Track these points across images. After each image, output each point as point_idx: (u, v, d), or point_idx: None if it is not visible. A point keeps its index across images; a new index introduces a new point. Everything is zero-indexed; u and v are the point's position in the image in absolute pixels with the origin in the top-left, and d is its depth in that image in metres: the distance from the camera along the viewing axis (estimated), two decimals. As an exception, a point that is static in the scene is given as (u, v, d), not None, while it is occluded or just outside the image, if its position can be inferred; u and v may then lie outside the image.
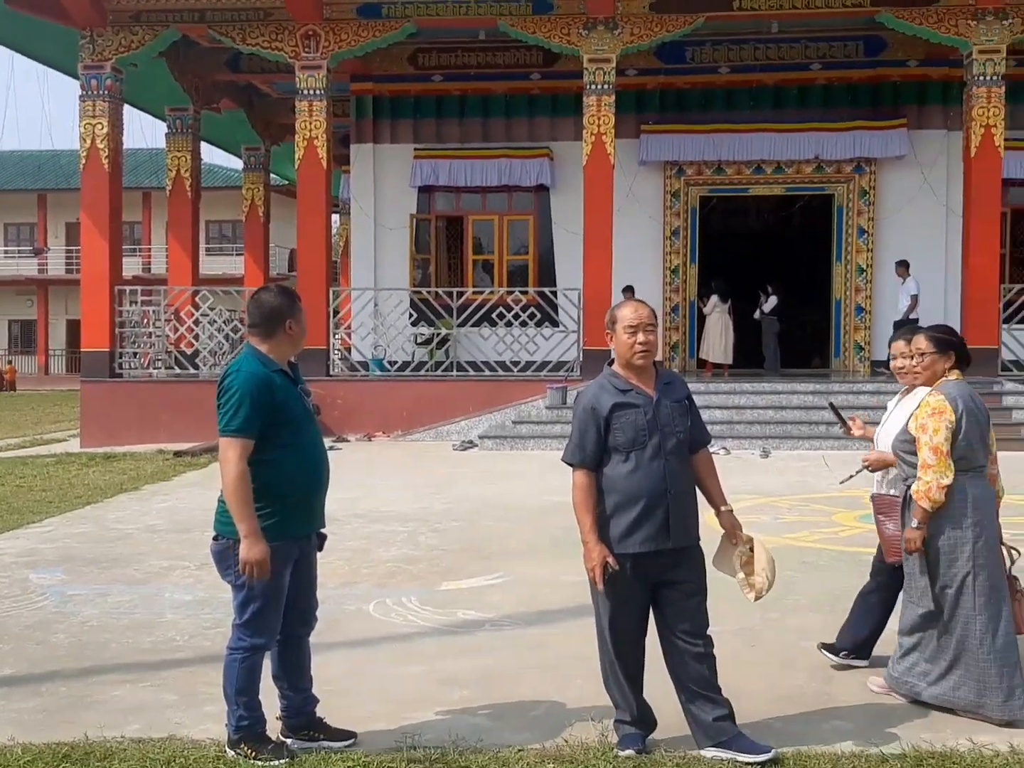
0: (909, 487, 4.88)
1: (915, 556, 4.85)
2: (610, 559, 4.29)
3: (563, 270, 18.79)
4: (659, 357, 12.41)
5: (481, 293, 17.25)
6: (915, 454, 4.80)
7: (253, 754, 4.31)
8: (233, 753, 4.35)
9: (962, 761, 4.27)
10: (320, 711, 4.61)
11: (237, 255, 39.22)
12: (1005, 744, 4.44)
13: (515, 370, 16.56)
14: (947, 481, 4.73)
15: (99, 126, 17.00)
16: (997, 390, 15.30)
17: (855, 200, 18.74)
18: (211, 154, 24.49)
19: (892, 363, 5.46)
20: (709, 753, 4.34)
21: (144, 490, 11.58)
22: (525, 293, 17.45)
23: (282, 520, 4.29)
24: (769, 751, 4.28)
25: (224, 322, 17.65)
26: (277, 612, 4.37)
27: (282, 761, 4.28)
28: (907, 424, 4.90)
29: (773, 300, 18.30)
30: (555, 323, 17.13)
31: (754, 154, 18.64)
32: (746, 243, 21.45)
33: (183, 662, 5.68)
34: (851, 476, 5.60)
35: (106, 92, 16.98)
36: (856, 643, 5.48)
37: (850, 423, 5.62)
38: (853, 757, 4.35)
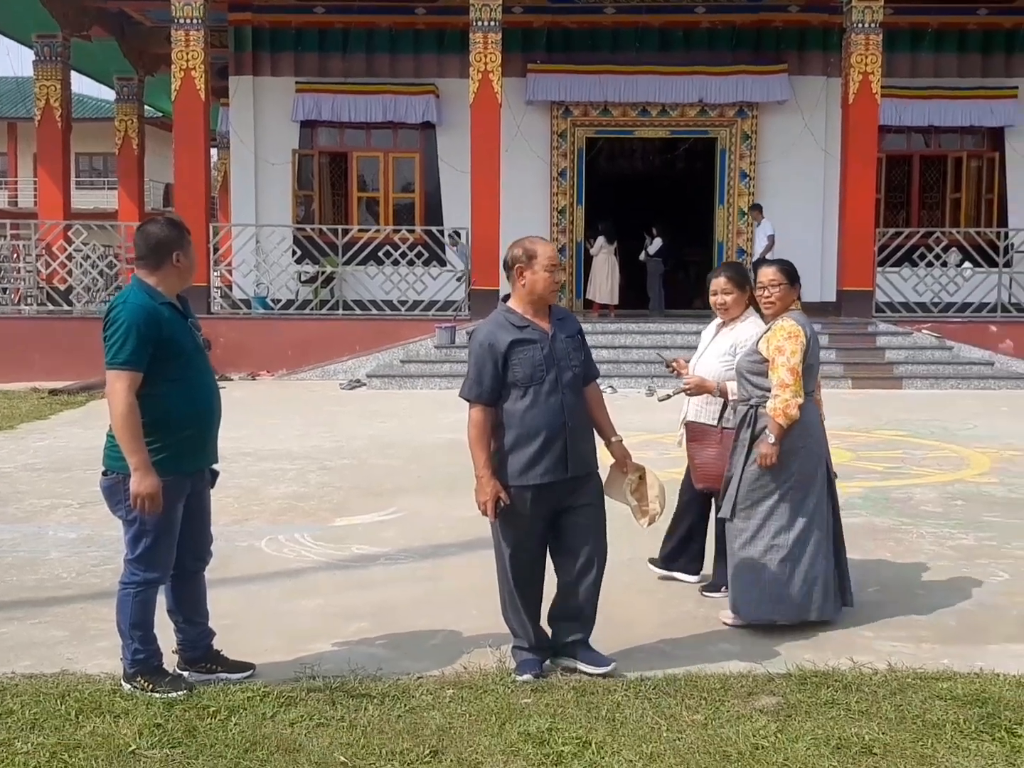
0: (753, 406, 5.08)
1: (754, 471, 5.05)
2: (502, 494, 4.37)
3: (450, 209, 18.66)
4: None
5: (367, 231, 17.04)
6: (762, 375, 5.03)
7: (150, 687, 4.27)
8: (129, 687, 4.30)
9: (843, 679, 4.44)
10: (217, 644, 4.59)
11: (109, 189, 37.96)
12: (883, 663, 4.64)
13: (403, 309, 16.45)
14: (801, 400, 4.97)
15: (-38, 51, 16.20)
16: (871, 331, 15.79)
17: (737, 144, 18.99)
18: (81, 84, 23.54)
19: (712, 299, 5.53)
20: (562, 663, 4.61)
21: (19, 429, 11.22)
22: (412, 232, 17.30)
23: (172, 454, 4.23)
24: (610, 664, 4.52)
25: (99, 258, 17.12)
26: (169, 547, 4.33)
27: (180, 692, 4.27)
28: (756, 345, 5.09)
29: (658, 242, 18.49)
30: (443, 262, 17.07)
31: (639, 96, 18.70)
32: (632, 185, 21.59)
33: (71, 599, 5.57)
34: (669, 395, 5.63)
35: (-32, 15, 16.19)
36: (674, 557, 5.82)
37: (674, 364, 5.68)
38: (741, 677, 4.50)
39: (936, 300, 16.59)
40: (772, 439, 4.98)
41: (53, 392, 13.72)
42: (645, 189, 20.92)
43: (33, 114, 20.17)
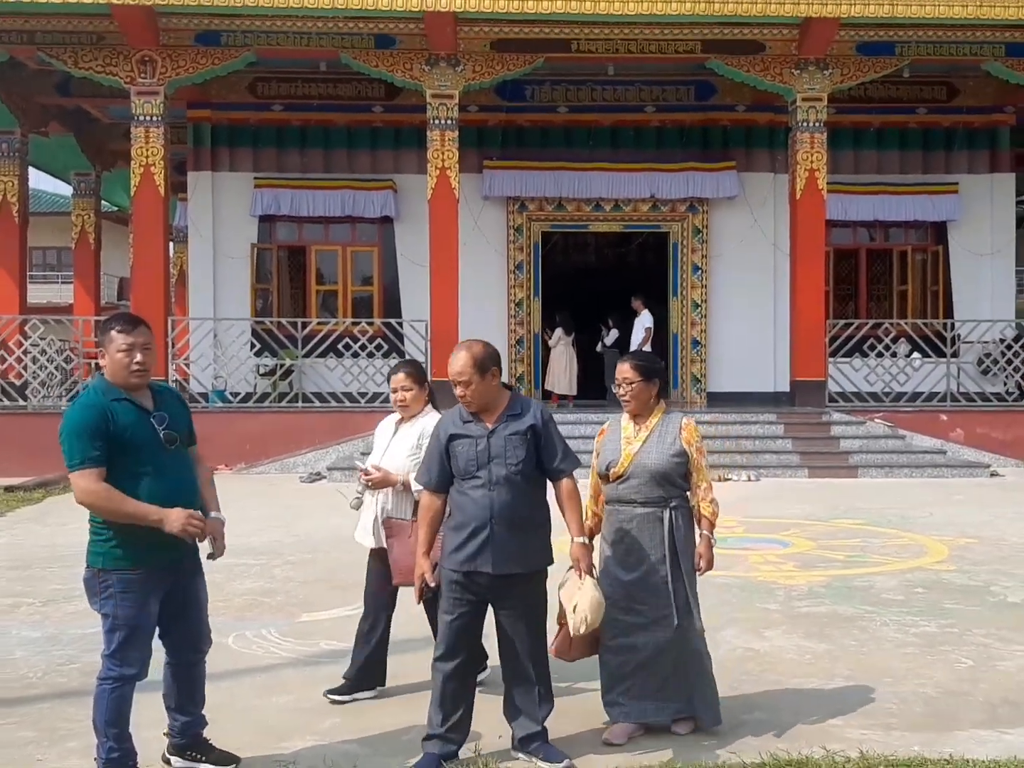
0: (674, 508, 4.92)
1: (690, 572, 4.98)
2: (428, 576, 4.66)
3: (409, 301, 18.85)
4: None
5: (326, 324, 17.15)
6: (684, 475, 4.98)
7: None
8: None
9: (818, 766, 4.50)
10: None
11: (64, 283, 37.82)
12: (855, 750, 4.69)
13: (363, 401, 16.50)
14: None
15: (-81, 148, 16.27)
16: (826, 420, 16.05)
17: (689, 238, 19.40)
18: (35, 179, 23.61)
19: (392, 396, 5.54)
20: (519, 755, 4.69)
21: (-25, 526, 11.08)
22: (371, 324, 17.43)
23: (137, 549, 4.23)
24: (562, 760, 4.57)
25: (56, 352, 17.06)
26: (144, 642, 4.32)
27: None
28: (678, 445, 4.93)
29: (614, 333, 18.76)
30: (402, 354, 17.15)
31: (593, 192, 19.10)
32: (587, 278, 21.94)
33: (39, 698, 5.50)
34: (359, 498, 5.61)
35: (-74, 112, 16.29)
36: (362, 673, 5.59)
37: (362, 475, 5.52)
38: (715, 767, 4.53)
39: (887, 390, 16.92)
40: (714, 538, 5.03)
41: (9, 489, 13.55)
42: (600, 281, 21.27)
43: (-11, 209, 20.16)
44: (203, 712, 4.62)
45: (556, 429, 4.74)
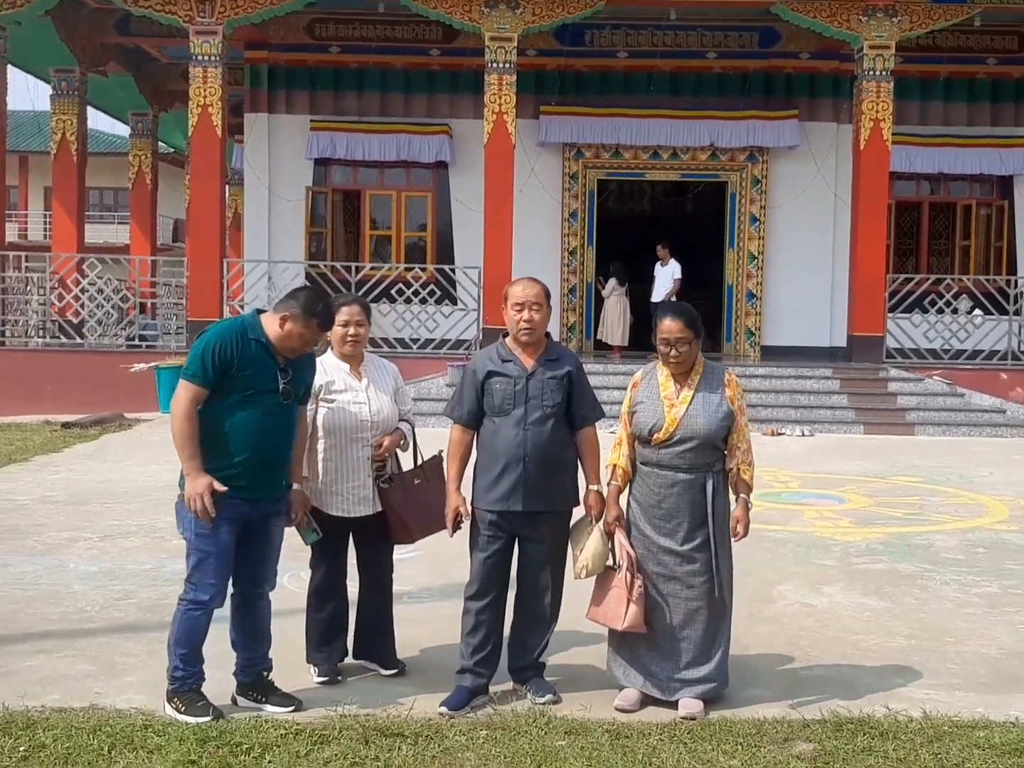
0: (716, 472, 4.69)
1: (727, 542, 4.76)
2: (462, 509, 4.69)
3: (461, 248, 18.73)
4: (556, 337, 12.52)
5: (380, 269, 17.10)
6: (726, 438, 4.71)
7: (183, 708, 4.36)
8: (170, 707, 4.37)
9: (879, 726, 4.43)
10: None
11: (120, 223, 38.13)
12: (918, 710, 4.61)
13: (414, 347, 16.47)
14: None
15: (-20, 85, 16.34)
16: (883, 376, 15.79)
17: (748, 188, 19.09)
18: (93, 119, 23.62)
19: (339, 331, 4.90)
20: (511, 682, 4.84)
21: (34, 461, 11.19)
22: (424, 270, 17.36)
23: (221, 477, 4.33)
24: (547, 694, 4.68)
25: (113, 291, 17.17)
26: (218, 570, 4.41)
27: (200, 720, 4.31)
28: (724, 405, 4.67)
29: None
30: (454, 300, 17.10)
31: (651, 139, 18.81)
32: (642, 227, 21.67)
33: (97, 632, 5.55)
34: (315, 531, 4.87)
35: (-12, 50, 16.34)
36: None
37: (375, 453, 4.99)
38: (775, 723, 4.48)
39: (946, 347, 16.60)
40: (751, 504, 4.80)
41: (66, 425, 13.70)
42: (655, 231, 20.97)
43: (46, 148, 20.31)
44: (269, 654, 4.67)
45: (586, 378, 4.85)
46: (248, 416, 4.36)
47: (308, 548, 4.98)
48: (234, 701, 4.59)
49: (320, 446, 4.92)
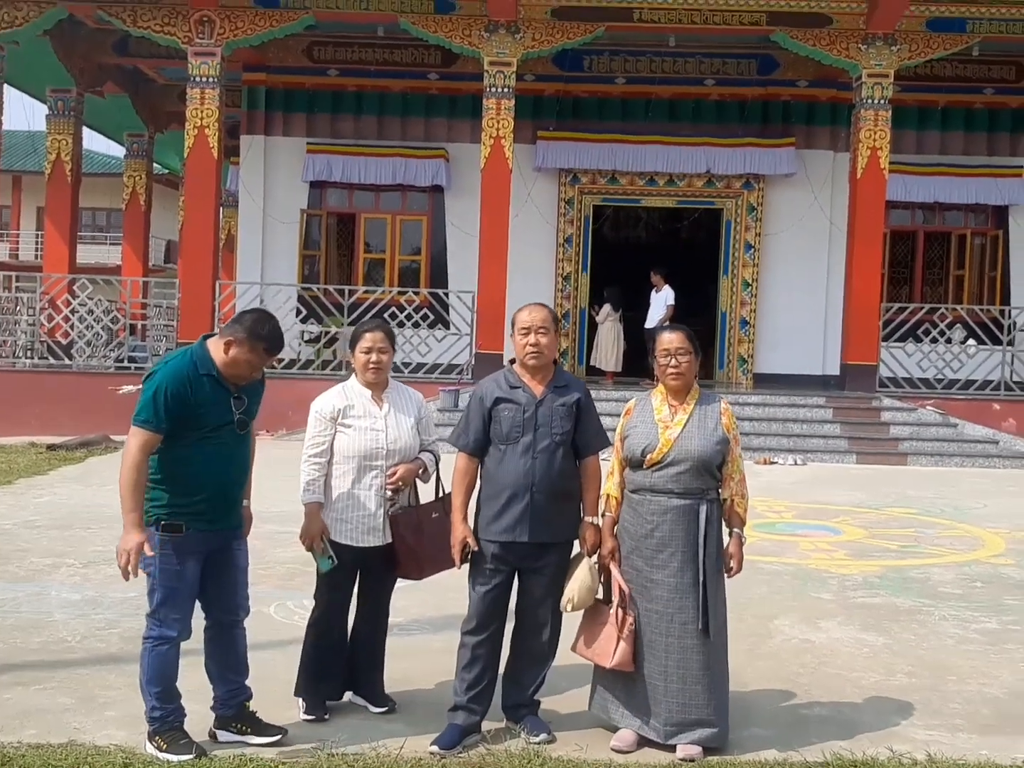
0: (710, 500, 4.57)
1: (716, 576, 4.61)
2: (470, 539, 4.57)
3: (456, 272, 18.67)
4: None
5: (373, 292, 17.00)
6: (721, 465, 4.60)
7: (165, 747, 4.24)
8: (151, 746, 4.25)
9: (882, 769, 4.31)
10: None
11: (112, 244, 38.00)
12: (922, 752, 4.50)
13: (406, 372, 16.32)
14: None
15: (-24, 106, 16.27)
16: (876, 405, 15.71)
17: (743, 215, 19.06)
18: (87, 139, 23.49)
19: (362, 358, 4.80)
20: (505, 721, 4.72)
21: (18, 484, 11.04)
22: (418, 294, 17.28)
23: (183, 513, 4.26)
24: (542, 733, 4.56)
25: (103, 312, 17.04)
26: (182, 605, 4.31)
27: (183, 758, 4.19)
28: (719, 431, 4.59)
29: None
30: (447, 325, 16.99)
31: (647, 166, 18.79)
32: (637, 253, 21.62)
33: (77, 663, 5.41)
34: (331, 558, 4.77)
35: (-15, 70, 16.27)
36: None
37: (388, 483, 4.83)
38: (777, 765, 4.36)
39: (940, 376, 16.54)
40: (745, 538, 4.68)
41: (51, 447, 13.55)
42: (650, 257, 20.94)
43: (40, 168, 20.24)
44: (247, 683, 4.56)
45: (594, 406, 4.77)
46: (208, 452, 4.28)
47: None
48: (213, 736, 4.46)
49: (334, 471, 4.81)
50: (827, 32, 16.39)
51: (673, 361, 4.59)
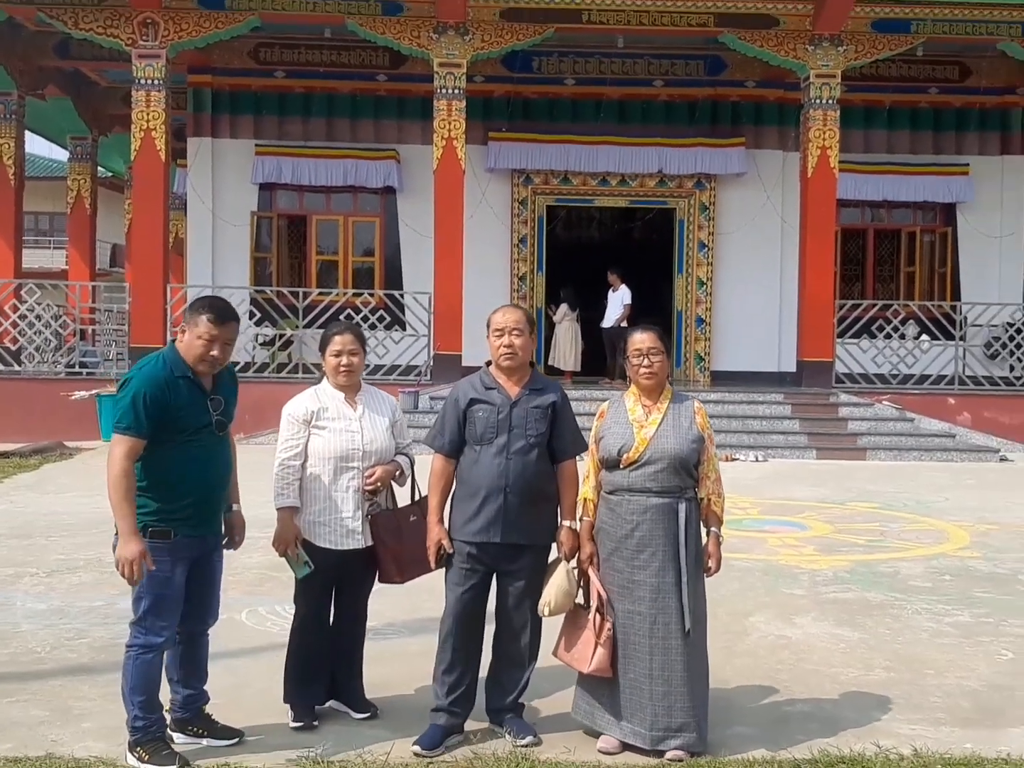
0: (688, 500, 4.54)
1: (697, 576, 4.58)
2: (445, 541, 4.55)
3: (410, 273, 18.57)
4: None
5: (328, 294, 16.85)
6: (697, 464, 4.57)
7: (147, 757, 4.16)
8: (132, 757, 4.17)
9: (871, 765, 4.34)
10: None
11: (56, 248, 37.42)
12: (908, 747, 4.50)
13: (364, 373, 16.20)
14: None
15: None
16: (833, 401, 15.84)
17: (696, 214, 19.15)
18: (29, 143, 23.05)
19: (332, 360, 4.79)
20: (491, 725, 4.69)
21: (-28, 493, 10.82)
22: (373, 295, 17.16)
23: (170, 519, 4.21)
24: (527, 735, 4.52)
25: (52, 317, 16.75)
26: (170, 610, 4.26)
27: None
28: (695, 430, 4.57)
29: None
30: (403, 325, 16.90)
31: (599, 166, 18.81)
32: (591, 253, 21.67)
33: (49, 674, 5.28)
34: (307, 563, 4.69)
35: (-78, 73, 15.91)
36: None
37: (366, 485, 4.75)
38: (765, 763, 4.34)
39: (895, 372, 16.73)
40: (723, 538, 4.68)
41: (4, 455, 13.28)
42: (604, 257, 21.01)
43: (-17, 172, 19.77)
44: (205, 688, 4.55)
45: (571, 410, 4.75)
46: (189, 456, 4.24)
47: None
48: (168, 739, 4.38)
49: (309, 474, 4.72)
50: (774, 33, 16.52)
51: (646, 361, 4.58)
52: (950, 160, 19.45)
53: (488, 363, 4.73)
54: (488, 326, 4.69)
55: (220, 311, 4.30)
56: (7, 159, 19.11)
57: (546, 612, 4.56)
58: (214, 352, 4.27)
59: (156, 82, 16.13)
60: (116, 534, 4.17)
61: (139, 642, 4.21)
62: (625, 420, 4.61)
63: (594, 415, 4.81)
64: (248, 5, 16.22)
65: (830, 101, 16.57)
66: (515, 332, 4.58)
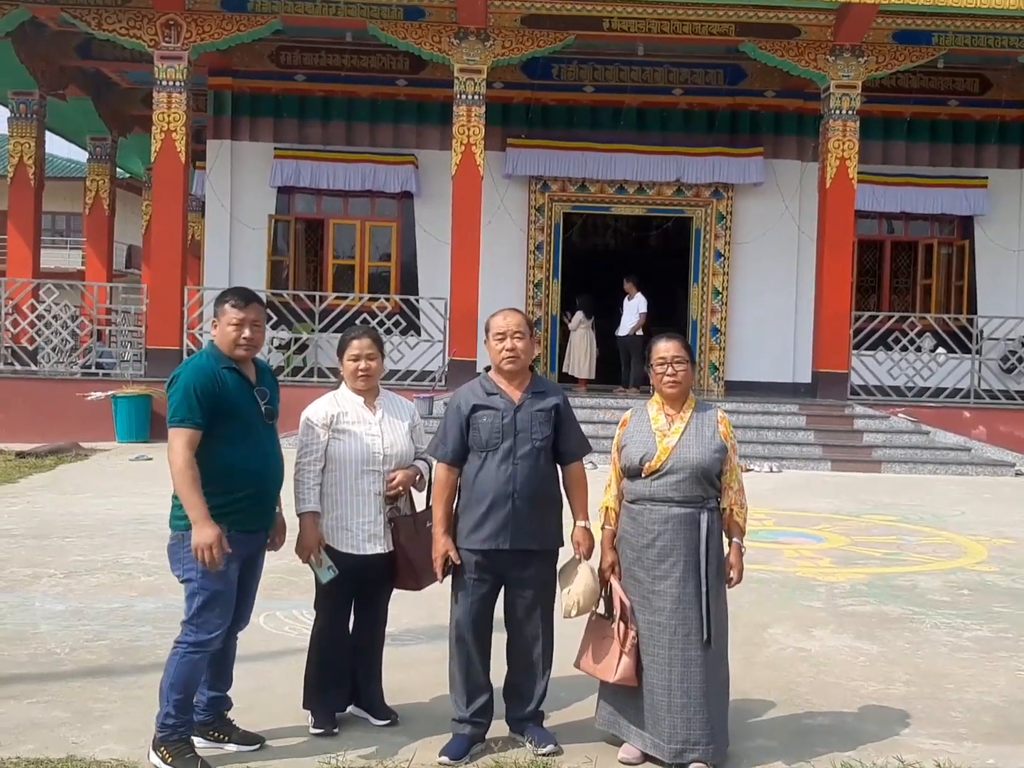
0: (711, 510, 4.51)
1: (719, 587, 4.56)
2: (452, 552, 4.50)
3: (426, 278, 18.59)
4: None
5: (344, 299, 16.87)
6: (719, 474, 4.54)
7: (171, 759, 4.15)
8: (155, 756, 4.16)
9: (893, 778, 4.29)
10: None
11: (72, 248, 37.54)
12: (931, 762, 4.48)
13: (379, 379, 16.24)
14: None
15: (-64, 107, 15.99)
16: (848, 413, 15.80)
17: (712, 224, 19.14)
18: (48, 143, 23.08)
19: (351, 365, 4.77)
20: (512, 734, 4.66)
21: (-11, 492, 10.86)
22: (389, 300, 17.19)
23: (228, 512, 4.23)
24: (548, 744, 4.49)
25: (69, 318, 16.80)
26: (224, 607, 4.27)
27: None
28: (719, 439, 4.54)
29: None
30: (419, 331, 16.91)
31: (617, 174, 18.81)
32: (607, 261, 21.66)
33: (69, 675, 5.29)
34: (331, 567, 4.66)
35: (-56, 72, 16.00)
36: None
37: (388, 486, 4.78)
38: (787, 776, 4.32)
39: (910, 384, 16.68)
40: (745, 548, 4.66)
41: (20, 455, 13.32)
42: (621, 265, 21.01)
43: (2, 171, 19.88)
44: (229, 692, 4.56)
45: (572, 412, 4.79)
46: (243, 448, 4.28)
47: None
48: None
49: (330, 479, 4.72)
50: (795, 43, 16.51)
51: (670, 370, 4.56)
52: (968, 173, 19.40)
53: (487, 368, 4.72)
54: (487, 330, 4.67)
55: (242, 294, 4.44)
56: (27, 159, 19.17)
57: (574, 613, 4.53)
58: (246, 334, 4.34)
59: (177, 84, 16.19)
60: (173, 532, 4.27)
61: (189, 639, 4.21)
62: (648, 429, 4.59)
63: (607, 423, 4.83)
64: (271, 8, 16.27)
65: (850, 112, 16.54)
66: (517, 335, 4.57)
